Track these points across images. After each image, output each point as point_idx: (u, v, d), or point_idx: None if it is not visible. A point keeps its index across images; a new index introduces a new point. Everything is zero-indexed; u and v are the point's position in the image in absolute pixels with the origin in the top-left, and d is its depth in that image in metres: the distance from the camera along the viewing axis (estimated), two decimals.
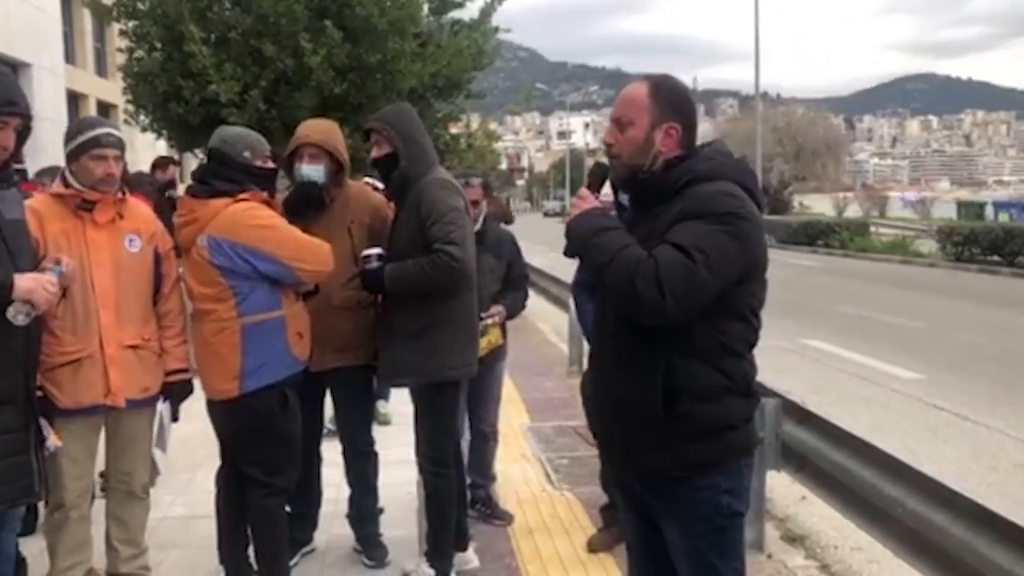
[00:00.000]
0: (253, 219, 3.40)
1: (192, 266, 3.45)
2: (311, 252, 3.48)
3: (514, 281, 4.66)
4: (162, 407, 3.61)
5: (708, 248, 2.16)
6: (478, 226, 4.43)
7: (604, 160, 2.53)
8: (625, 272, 2.17)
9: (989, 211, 34.50)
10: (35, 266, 2.89)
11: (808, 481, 4.21)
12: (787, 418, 4.23)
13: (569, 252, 2.42)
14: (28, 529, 3.86)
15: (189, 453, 5.47)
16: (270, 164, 3.60)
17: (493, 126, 15.01)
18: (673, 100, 2.37)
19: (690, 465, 2.30)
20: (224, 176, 3.44)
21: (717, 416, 2.29)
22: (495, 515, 4.69)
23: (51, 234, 3.24)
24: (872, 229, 30.24)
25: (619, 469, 2.55)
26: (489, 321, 4.32)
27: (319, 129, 3.94)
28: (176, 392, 3.57)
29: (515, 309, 4.71)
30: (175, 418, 3.69)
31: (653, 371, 2.25)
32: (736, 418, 2.33)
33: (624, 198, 2.50)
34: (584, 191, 2.43)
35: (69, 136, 3.36)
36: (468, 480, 4.71)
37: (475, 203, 4.40)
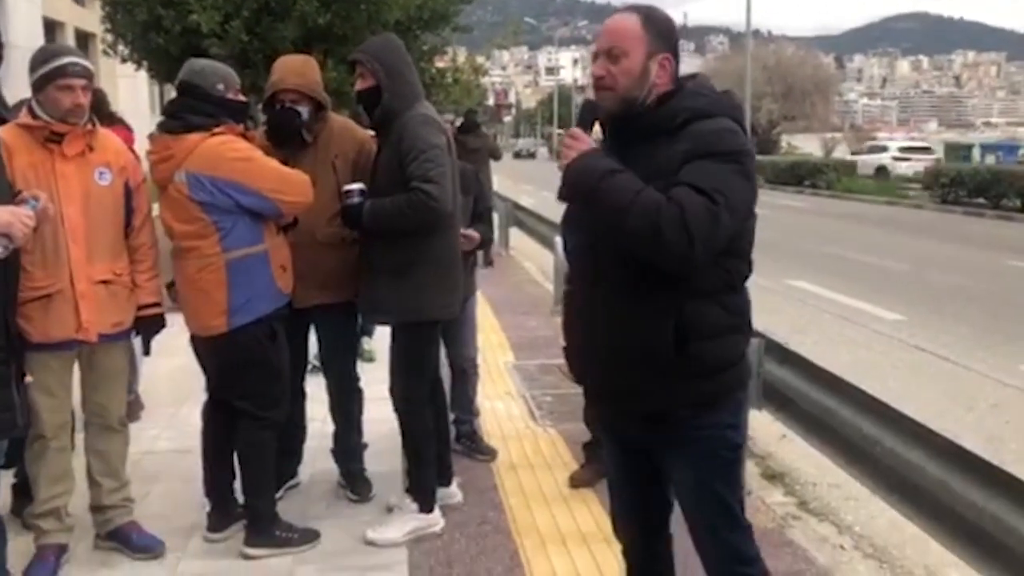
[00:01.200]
0: (232, 152, 3.34)
1: (170, 203, 3.39)
2: (291, 183, 3.44)
3: (481, 215, 4.63)
4: (134, 341, 3.59)
5: (725, 189, 2.12)
6: None
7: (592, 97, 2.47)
8: (647, 217, 2.09)
9: (976, 153, 34.49)
10: (11, 200, 2.84)
11: (788, 420, 4.25)
12: (769, 357, 4.26)
13: (566, 196, 2.30)
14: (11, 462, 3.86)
15: (174, 387, 5.48)
16: (241, 96, 3.54)
17: (480, 60, 14.81)
18: (665, 30, 2.30)
19: (698, 403, 2.31)
20: (197, 110, 3.37)
21: (722, 353, 2.30)
22: (479, 450, 4.74)
23: (19, 167, 3.16)
24: (860, 170, 30.22)
25: (617, 414, 2.50)
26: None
27: (294, 70, 3.83)
28: (148, 326, 3.54)
29: (484, 240, 4.70)
30: (147, 352, 3.68)
31: (665, 314, 2.21)
32: (737, 354, 2.35)
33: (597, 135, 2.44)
34: (576, 130, 2.30)
35: (34, 65, 3.25)
36: (452, 416, 4.74)
37: None
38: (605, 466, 2.77)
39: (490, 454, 4.73)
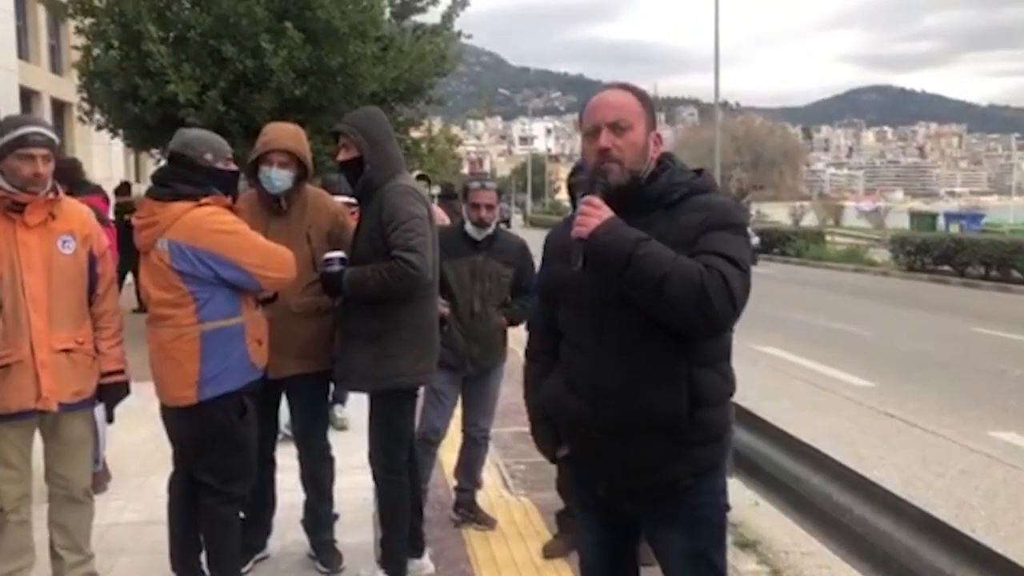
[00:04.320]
0: (217, 224, 3.34)
1: (151, 269, 3.37)
2: (275, 259, 3.43)
3: (524, 288, 4.59)
4: (97, 409, 3.55)
5: (745, 259, 2.22)
6: (489, 231, 4.44)
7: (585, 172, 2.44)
8: (691, 284, 2.12)
9: (941, 222, 35.25)
10: None
11: (760, 487, 4.27)
12: (740, 424, 4.28)
13: (593, 264, 2.23)
14: None
15: (142, 457, 5.39)
16: (232, 167, 3.56)
17: (455, 130, 15.03)
18: (653, 109, 2.40)
19: (700, 471, 2.34)
20: (186, 179, 3.37)
21: (722, 420, 2.35)
22: (478, 519, 4.69)
23: None
24: (827, 238, 30.71)
25: (613, 488, 2.43)
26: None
27: (290, 135, 3.90)
28: (111, 393, 3.51)
29: (521, 316, 4.63)
30: (110, 420, 3.63)
31: (677, 383, 2.24)
32: (730, 420, 2.42)
33: None
34: (595, 199, 2.27)
35: None
36: (454, 483, 4.73)
37: (489, 207, 4.41)
38: (583, 553, 2.67)
39: (488, 523, 4.68)
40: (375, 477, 3.81)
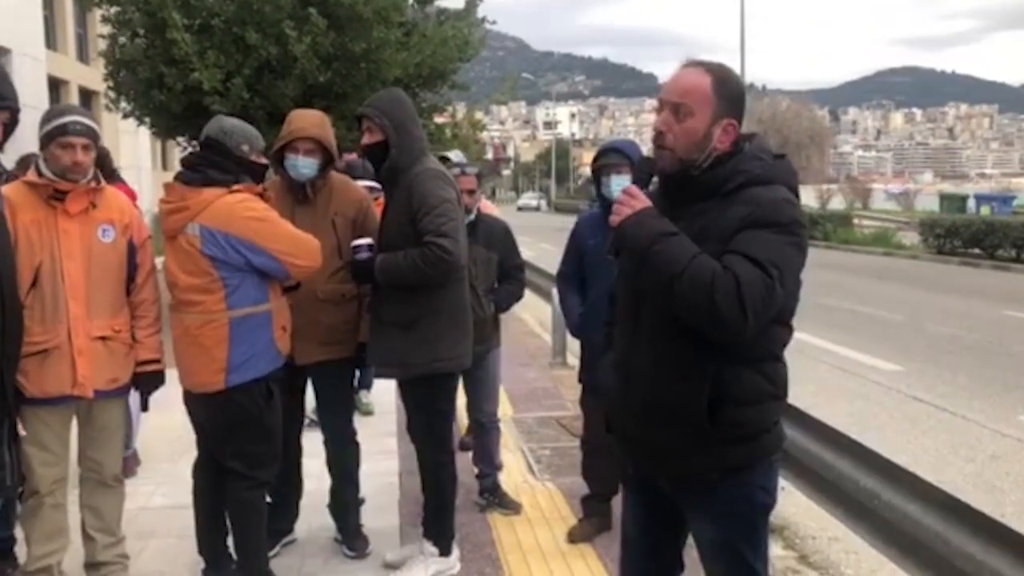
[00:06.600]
0: (249, 211, 3.35)
1: (179, 254, 3.38)
2: (303, 247, 3.44)
3: (508, 272, 4.62)
4: (132, 397, 3.60)
5: (781, 262, 2.11)
6: (471, 216, 4.43)
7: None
8: (701, 286, 2.07)
9: (971, 204, 34.77)
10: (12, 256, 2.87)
11: (787, 472, 4.22)
12: None
13: (619, 253, 2.30)
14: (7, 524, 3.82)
15: (171, 443, 5.45)
16: (263, 160, 3.56)
17: (479, 115, 14.94)
18: (734, 95, 2.27)
19: (729, 467, 2.29)
20: (218, 166, 3.38)
21: (758, 420, 2.28)
22: (503, 504, 4.71)
23: (22, 223, 3.21)
24: (855, 221, 30.39)
25: (647, 470, 2.45)
26: None
27: (315, 122, 3.90)
28: (147, 382, 3.54)
29: (507, 302, 4.71)
30: (145, 408, 3.67)
31: (701, 379, 2.19)
32: (772, 420, 2.33)
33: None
34: (633, 188, 2.26)
35: (41, 124, 3.32)
36: (475, 470, 4.76)
37: (470, 192, 4.40)
38: (624, 526, 2.65)
39: (514, 508, 4.70)
40: (424, 457, 3.85)
